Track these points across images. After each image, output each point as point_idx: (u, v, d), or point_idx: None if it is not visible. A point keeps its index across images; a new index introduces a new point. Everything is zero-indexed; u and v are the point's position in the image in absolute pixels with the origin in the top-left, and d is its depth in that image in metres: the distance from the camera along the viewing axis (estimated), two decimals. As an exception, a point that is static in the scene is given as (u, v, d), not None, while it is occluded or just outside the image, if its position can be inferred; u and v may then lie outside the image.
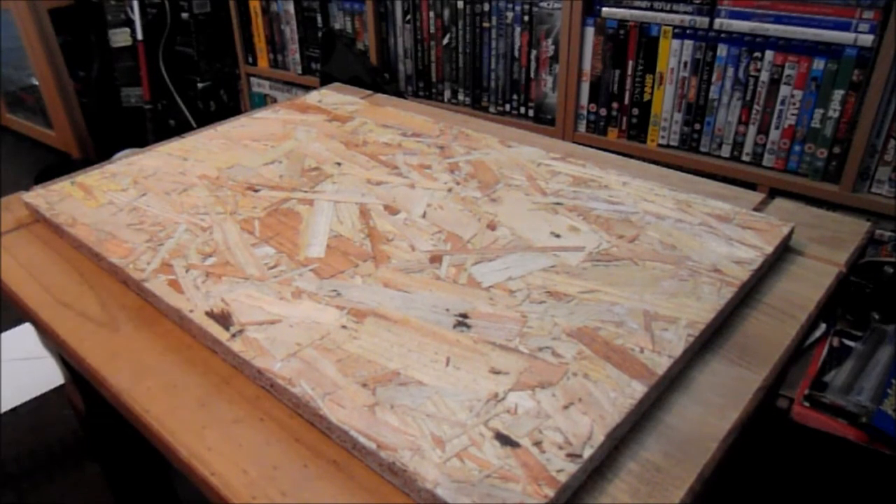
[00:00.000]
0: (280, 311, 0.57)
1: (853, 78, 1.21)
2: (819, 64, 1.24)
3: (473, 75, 1.74)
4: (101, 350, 0.57)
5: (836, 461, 0.99)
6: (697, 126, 1.42)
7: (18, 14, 2.27)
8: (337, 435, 0.47)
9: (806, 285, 0.61)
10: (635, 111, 1.50)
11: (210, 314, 0.57)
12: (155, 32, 2.26)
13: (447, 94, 1.82)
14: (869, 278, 1.22)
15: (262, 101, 2.35)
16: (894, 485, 0.95)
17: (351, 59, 1.85)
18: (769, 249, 0.62)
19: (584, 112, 1.58)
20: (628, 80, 1.48)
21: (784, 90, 1.29)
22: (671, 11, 1.37)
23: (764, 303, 0.59)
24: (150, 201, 0.75)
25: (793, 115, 1.30)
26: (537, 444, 0.44)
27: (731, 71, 1.34)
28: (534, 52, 1.60)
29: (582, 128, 1.60)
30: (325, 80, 1.84)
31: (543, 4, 1.54)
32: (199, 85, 2.35)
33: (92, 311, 0.61)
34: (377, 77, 1.83)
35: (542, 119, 1.67)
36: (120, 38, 2.27)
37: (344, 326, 0.55)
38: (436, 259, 0.63)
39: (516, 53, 1.64)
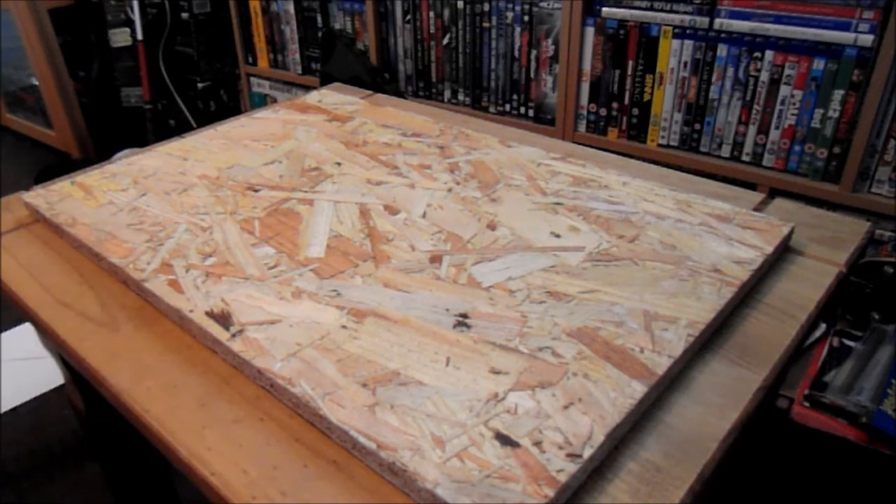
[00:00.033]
0: (280, 311, 0.57)
1: (853, 78, 1.21)
2: (819, 64, 1.24)
3: (473, 75, 1.74)
4: (101, 350, 0.57)
5: (836, 461, 0.99)
6: (697, 126, 1.42)
7: (18, 14, 2.27)
8: (337, 435, 0.47)
9: (806, 285, 0.61)
10: (635, 111, 1.50)
11: (210, 314, 0.57)
12: (155, 32, 2.26)
13: (447, 94, 1.82)
14: (869, 278, 1.22)
15: (262, 101, 2.35)
16: (894, 485, 0.95)
17: (351, 59, 1.85)
18: (769, 249, 0.62)
19: (584, 112, 1.58)
20: (628, 80, 1.48)
21: (784, 90, 1.29)
22: (671, 11, 1.37)
23: (764, 303, 0.59)
24: (150, 201, 0.75)
25: (793, 115, 1.30)
26: (537, 444, 0.44)
27: (731, 71, 1.34)
28: (534, 52, 1.60)
29: (582, 128, 1.60)
30: (325, 80, 1.84)
31: (543, 4, 1.54)
32: (199, 85, 2.35)
33: (92, 311, 0.61)
34: (377, 77, 1.83)
35: (542, 119, 1.67)
36: (120, 38, 2.27)
37: (344, 326, 0.55)
38: (436, 259, 0.63)
39: (516, 53, 1.64)
